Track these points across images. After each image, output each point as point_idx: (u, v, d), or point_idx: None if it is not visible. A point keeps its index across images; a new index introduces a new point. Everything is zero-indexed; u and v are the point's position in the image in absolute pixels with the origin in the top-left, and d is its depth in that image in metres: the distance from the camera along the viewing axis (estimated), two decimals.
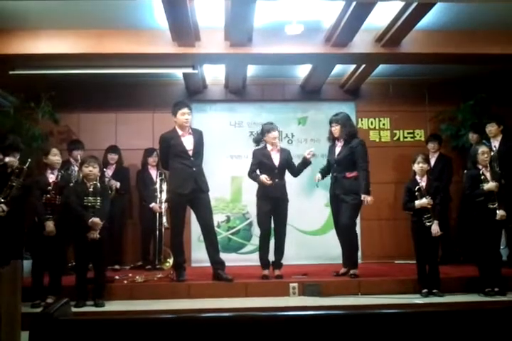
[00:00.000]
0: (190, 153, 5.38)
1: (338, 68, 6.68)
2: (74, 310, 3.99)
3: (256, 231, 6.26)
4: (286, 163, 5.60)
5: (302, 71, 6.98)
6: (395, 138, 7.47)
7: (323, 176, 5.77)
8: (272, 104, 7.39)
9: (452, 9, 5.16)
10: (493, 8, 5.09)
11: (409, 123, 7.45)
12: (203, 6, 4.96)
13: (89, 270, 4.96)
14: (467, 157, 5.58)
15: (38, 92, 6.44)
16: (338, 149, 5.63)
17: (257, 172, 5.58)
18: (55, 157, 5.05)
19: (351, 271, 5.45)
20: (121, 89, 7.07)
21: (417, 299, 4.95)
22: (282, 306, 4.72)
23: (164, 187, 6.48)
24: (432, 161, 6.49)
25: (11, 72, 6.02)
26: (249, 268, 5.92)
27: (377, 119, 7.47)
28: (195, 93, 7.28)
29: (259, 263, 5.55)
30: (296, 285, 5.18)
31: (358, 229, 5.71)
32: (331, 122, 5.68)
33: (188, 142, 5.40)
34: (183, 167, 5.35)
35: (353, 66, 6.74)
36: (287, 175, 5.65)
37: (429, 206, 5.09)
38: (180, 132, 5.41)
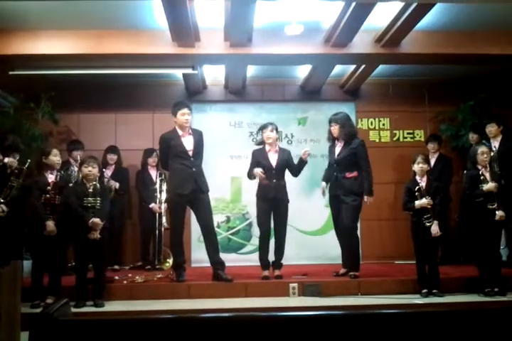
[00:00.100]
0: (190, 153, 5.37)
1: (337, 68, 6.69)
2: (74, 310, 3.99)
3: (256, 231, 6.26)
4: (287, 163, 5.58)
5: (302, 71, 6.98)
6: (394, 139, 7.48)
7: (328, 182, 5.75)
8: (271, 104, 7.39)
9: (452, 10, 5.17)
10: (492, 8, 5.09)
11: (409, 124, 7.45)
12: (203, 6, 4.97)
13: (88, 270, 4.96)
14: (467, 157, 5.58)
15: (38, 92, 6.45)
16: (338, 149, 5.62)
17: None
18: (55, 157, 5.05)
19: (351, 272, 5.45)
20: (121, 90, 7.08)
21: (417, 299, 4.95)
22: (282, 306, 4.72)
23: (164, 187, 6.48)
24: (432, 161, 6.49)
25: (10, 73, 6.03)
26: (249, 268, 5.92)
27: (377, 119, 7.48)
28: (195, 93, 7.29)
29: (259, 264, 5.55)
30: (296, 285, 5.18)
31: (358, 229, 5.70)
32: (330, 122, 5.68)
33: (188, 142, 5.40)
34: (183, 167, 5.34)
35: (353, 66, 6.74)
36: (288, 175, 5.64)
37: (429, 206, 5.09)
38: (180, 132, 5.41)
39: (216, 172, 6.82)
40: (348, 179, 5.48)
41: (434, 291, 5.05)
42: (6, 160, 4.97)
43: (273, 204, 5.48)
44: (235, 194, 7.22)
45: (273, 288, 5.24)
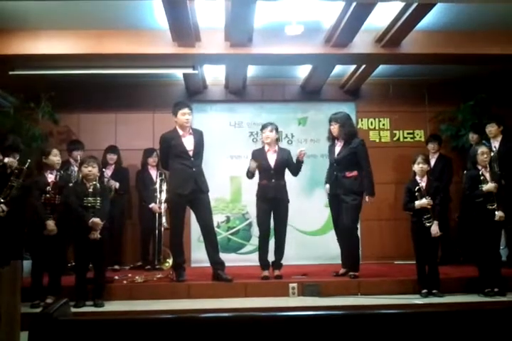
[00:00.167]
0: (191, 153, 5.37)
1: (338, 68, 6.69)
2: (73, 310, 4.00)
3: (255, 231, 6.25)
4: (287, 162, 5.58)
5: (302, 71, 6.98)
6: (394, 139, 7.48)
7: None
8: (272, 104, 7.39)
9: (452, 10, 5.17)
10: (493, 8, 5.09)
11: (409, 124, 7.45)
12: (203, 6, 4.97)
13: (88, 270, 4.96)
14: (467, 157, 5.58)
15: (38, 92, 6.45)
16: (338, 149, 5.61)
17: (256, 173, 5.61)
18: (55, 157, 5.05)
19: (351, 272, 5.45)
20: (122, 90, 7.08)
21: (417, 299, 4.95)
22: (282, 306, 4.72)
23: (164, 187, 6.48)
24: (432, 162, 6.49)
25: (10, 73, 6.03)
26: (249, 268, 5.93)
27: (377, 120, 7.48)
28: (195, 93, 7.29)
29: (258, 264, 5.55)
30: (295, 285, 5.18)
31: (358, 229, 5.69)
32: (330, 121, 5.68)
33: (188, 142, 5.40)
34: (183, 167, 5.34)
35: (353, 66, 6.74)
36: (288, 175, 5.64)
37: (429, 206, 5.09)
38: (181, 132, 5.41)
39: (216, 172, 6.82)
40: (348, 178, 5.48)
41: (434, 291, 5.05)
42: (6, 160, 4.97)
43: (273, 204, 5.48)
44: (235, 194, 7.22)
45: (273, 288, 5.24)
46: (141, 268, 6.48)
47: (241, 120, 7.39)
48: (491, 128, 6.23)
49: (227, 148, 7.22)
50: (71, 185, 5.25)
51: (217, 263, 5.36)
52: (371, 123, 7.48)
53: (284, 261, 5.58)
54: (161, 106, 6.97)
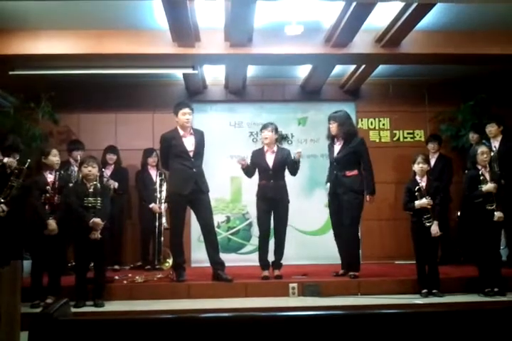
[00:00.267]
0: (191, 153, 5.37)
1: (338, 68, 6.69)
2: (73, 310, 3.99)
3: (256, 231, 6.25)
4: (286, 162, 5.57)
5: (302, 71, 6.98)
6: (394, 139, 7.48)
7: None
8: (271, 104, 7.39)
9: (452, 10, 5.17)
10: (493, 8, 5.09)
11: (409, 124, 7.45)
12: (203, 6, 4.96)
13: (89, 270, 4.96)
14: (467, 157, 5.58)
15: (38, 92, 6.45)
16: (337, 148, 5.61)
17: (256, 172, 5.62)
18: (54, 157, 5.05)
19: (351, 272, 5.45)
20: (121, 90, 7.08)
21: (417, 299, 4.95)
22: (282, 306, 4.72)
23: (164, 187, 6.48)
24: (432, 162, 6.49)
25: (10, 73, 6.03)
26: (249, 268, 5.92)
27: (377, 120, 7.48)
28: (195, 93, 7.29)
29: (258, 264, 5.55)
30: (295, 285, 5.18)
31: (359, 229, 5.70)
32: (329, 119, 5.67)
33: (189, 143, 5.40)
34: (184, 168, 5.34)
35: (353, 66, 6.74)
36: (288, 175, 5.64)
37: (429, 206, 5.09)
38: (181, 132, 5.41)
39: (216, 172, 6.82)
40: (348, 177, 5.47)
41: (434, 291, 5.05)
42: (6, 160, 4.98)
43: (272, 205, 5.48)
44: (235, 194, 7.23)
45: (273, 288, 5.24)
46: (141, 268, 6.48)
47: (241, 120, 7.39)
48: (491, 128, 6.23)
49: (227, 148, 7.21)
50: (71, 185, 5.26)
51: (217, 263, 5.36)
52: (371, 123, 7.48)
53: (284, 261, 5.58)
54: (160, 106, 6.97)
